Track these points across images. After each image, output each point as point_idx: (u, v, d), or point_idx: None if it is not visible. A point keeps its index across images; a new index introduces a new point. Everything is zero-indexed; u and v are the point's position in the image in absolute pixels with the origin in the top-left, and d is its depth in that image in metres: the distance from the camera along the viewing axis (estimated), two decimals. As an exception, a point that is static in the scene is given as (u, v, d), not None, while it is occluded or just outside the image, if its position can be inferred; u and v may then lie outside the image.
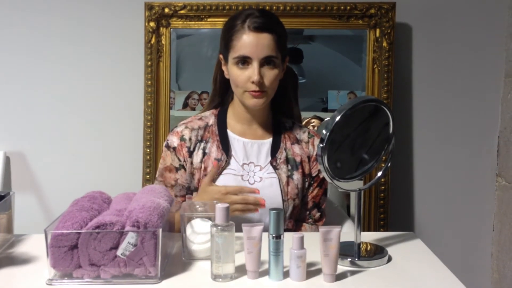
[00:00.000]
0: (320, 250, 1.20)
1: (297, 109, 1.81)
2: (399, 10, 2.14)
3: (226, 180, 1.57)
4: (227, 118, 1.66)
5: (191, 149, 1.62)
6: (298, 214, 1.64)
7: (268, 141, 1.64)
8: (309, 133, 1.69)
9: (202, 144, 1.62)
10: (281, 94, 1.67)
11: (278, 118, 1.69)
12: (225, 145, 1.61)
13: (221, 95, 1.69)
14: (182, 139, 1.62)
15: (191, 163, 1.61)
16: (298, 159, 1.64)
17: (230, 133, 1.64)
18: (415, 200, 2.27)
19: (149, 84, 2.14)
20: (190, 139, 1.62)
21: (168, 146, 1.63)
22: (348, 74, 2.31)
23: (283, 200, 1.58)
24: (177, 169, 1.62)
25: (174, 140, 1.63)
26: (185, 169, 1.62)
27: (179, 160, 1.62)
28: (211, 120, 1.66)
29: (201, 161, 1.60)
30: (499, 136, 2.23)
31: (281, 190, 1.58)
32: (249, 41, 1.52)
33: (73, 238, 1.15)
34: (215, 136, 1.63)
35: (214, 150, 1.61)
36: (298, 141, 1.67)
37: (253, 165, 1.61)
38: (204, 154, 1.61)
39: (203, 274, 1.23)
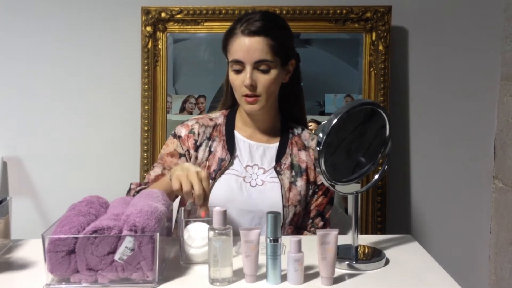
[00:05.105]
0: (318, 253, 1.20)
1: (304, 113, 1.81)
2: (395, 13, 2.14)
3: (227, 180, 1.58)
4: (235, 120, 1.67)
5: (198, 143, 1.63)
6: (299, 222, 1.63)
7: (275, 145, 1.64)
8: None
9: (210, 142, 1.63)
10: (291, 99, 1.67)
11: (286, 123, 1.69)
12: (230, 146, 1.62)
13: (232, 97, 1.67)
14: (191, 131, 1.64)
15: (196, 157, 1.62)
16: (303, 165, 1.63)
17: (237, 134, 1.64)
18: (412, 202, 2.27)
19: (146, 89, 2.14)
20: (199, 133, 1.63)
21: (174, 135, 1.65)
22: (345, 78, 2.31)
23: (284, 206, 1.57)
24: (180, 155, 1.63)
25: (182, 131, 1.65)
26: (186, 159, 1.62)
27: (183, 149, 1.63)
28: (220, 120, 1.67)
29: (207, 159, 1.61)
30: (495, 139, 2.24)
31: (282, 196, 1.58)
32: (240, 46, 1.52)
33: (71, 243, 1.15)
34: (222, 135, 1.64)
35: (219, 150, 1.61)
36: (305, 148, 1.66)
37: (257, 168, 1.61)
38: (210, 152, 1.61)
39: (200, 278, 1.23)
